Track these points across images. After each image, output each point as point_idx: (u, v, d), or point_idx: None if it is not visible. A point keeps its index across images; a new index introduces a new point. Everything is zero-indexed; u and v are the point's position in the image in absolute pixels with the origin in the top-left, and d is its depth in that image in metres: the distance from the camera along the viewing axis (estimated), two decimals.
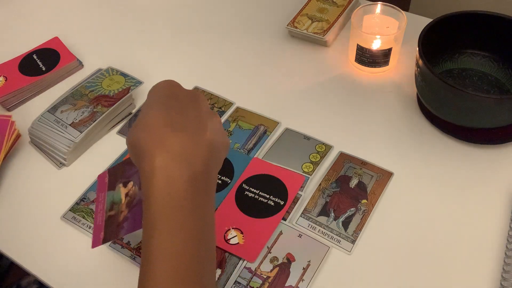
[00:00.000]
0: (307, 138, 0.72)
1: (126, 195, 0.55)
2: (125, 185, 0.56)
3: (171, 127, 0.41)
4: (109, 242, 0.62)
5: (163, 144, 0.40)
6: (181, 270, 0.39)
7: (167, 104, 0.43)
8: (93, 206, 0.66)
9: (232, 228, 0.62)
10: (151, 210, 0.39)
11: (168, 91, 0.45)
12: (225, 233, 0.61)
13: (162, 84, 0.46)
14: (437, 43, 0.72)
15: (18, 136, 0.74)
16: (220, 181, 0.67)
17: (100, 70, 0.79)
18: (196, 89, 0.47)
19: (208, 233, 0.42)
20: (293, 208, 0.64)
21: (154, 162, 0.39)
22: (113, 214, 0.54)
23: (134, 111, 0.78)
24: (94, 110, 0.73)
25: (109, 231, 0.54)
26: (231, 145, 0.71)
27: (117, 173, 0.58)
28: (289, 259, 0.59)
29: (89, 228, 0.64)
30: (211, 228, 0.42)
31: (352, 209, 0.63)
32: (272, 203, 0.64)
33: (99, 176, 0.60)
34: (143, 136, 0.41)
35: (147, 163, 0.40)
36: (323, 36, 0.82)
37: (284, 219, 0.63)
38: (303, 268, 0.58)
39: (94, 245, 0.55)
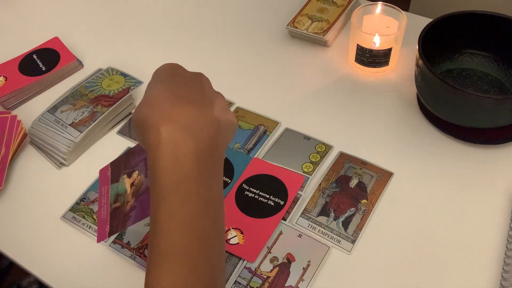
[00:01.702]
0: (307, 138, 0.72)
1: (132, 185, 0.54)
2: (129, 176, 0.55)
3: (176, 100, 0.41)
4: (108, 241, 0.62)
5: (168, 116, 0.40)
6: (187, 243, 0.38)
7: (171, 81, 0.43)
8: (93, 206, 0.66)
9: (232, 228, 0.62)
10: (157, 182, 0.39)
11: (171, 71, 0.45)
12: (225, 233, 0.61)
13: (165, 65, 0.46)
14: (437, 43, 0.72)
15: (25, 135, 0.74)
16: None
17: (100, 70, 0.79)
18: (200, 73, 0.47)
19: (217, 208, 0.41)
20: (293, 208, 0.64)
21: (160, 133, 0.39)
22: (118, 206, 0.54)
23: (134, 111, 0.78)
24: (94, 110, 0.73)
25: (115, 223, 0.53)
26: (230, 145, 0.71)
27: (120, 165, 0.57)
28: (289, 259, 0.59)
29: (89, 228, 0.64)
30: (219, 204, 0.42)
31: (352, 209, 0.63)
32: (272, 203, 0.64)
33: (101, 170, 0.59)
34: (148, 110, 0.41)
35: (152, 135, 0.40)
36: (323, 36, 0.82)
37: (284, 219, 0.63)
38: (303, 268, 0.58)
39: (100, 239, 0.54)
